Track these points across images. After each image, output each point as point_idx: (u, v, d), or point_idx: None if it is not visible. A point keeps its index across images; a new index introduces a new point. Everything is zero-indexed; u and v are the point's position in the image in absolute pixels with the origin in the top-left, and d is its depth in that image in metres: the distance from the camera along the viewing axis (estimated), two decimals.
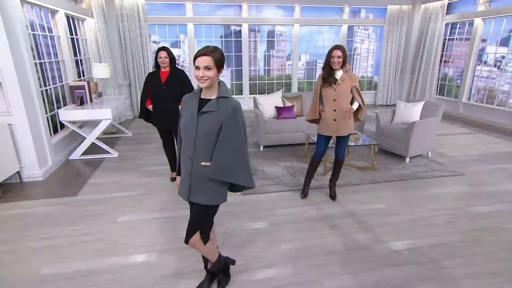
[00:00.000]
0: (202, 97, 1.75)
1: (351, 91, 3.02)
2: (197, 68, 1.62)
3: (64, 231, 2.82)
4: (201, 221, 1.88)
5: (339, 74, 2.97)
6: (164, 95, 3.42)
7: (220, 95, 1.70)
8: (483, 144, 5.32)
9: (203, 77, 1.61)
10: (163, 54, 3.34)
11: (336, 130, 3.07)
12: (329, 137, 3.19)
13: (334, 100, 2.99)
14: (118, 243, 2.64)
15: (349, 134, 3.17)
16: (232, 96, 1.78)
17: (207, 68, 1.60)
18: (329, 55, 2.91)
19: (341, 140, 3.20)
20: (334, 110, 3.02)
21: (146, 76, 3.74)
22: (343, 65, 2.93)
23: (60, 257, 2.46)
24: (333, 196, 3.38)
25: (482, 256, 2.47)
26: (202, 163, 1.72)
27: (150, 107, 3.55)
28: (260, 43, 8.69)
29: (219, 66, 1.65)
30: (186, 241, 1.87)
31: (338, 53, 2.86)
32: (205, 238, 1.90)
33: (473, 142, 5.44)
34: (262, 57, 8.85)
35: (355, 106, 3.09)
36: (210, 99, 1.70)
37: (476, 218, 3.03)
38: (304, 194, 3.41)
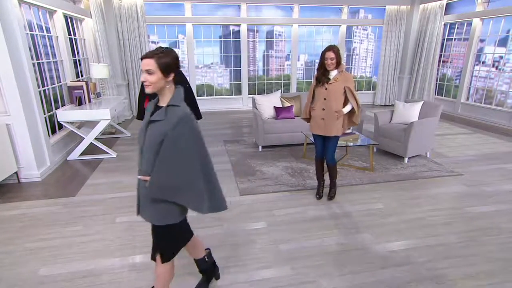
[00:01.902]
0: (158, 104, 1.59)
1: (345, 92, 3.00)
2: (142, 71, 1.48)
3: (63, 231, 2.81)
4: (157, 242, 1.71)
5: (333, 74, 2.97)
6: None
7: (170, 103, 1.51)
8: (482, 144, 5.33)
9: (144, 81, 1.47)
10: None
11: (323, 129, 3.07)
12: (323, 136, 3.18)
13: (325, 99, 2.99)
14: (116, 243, 2.64)
15: (338, 137, 3.14)
16: (182, 105, 1.56)
17: (149, 72, 1.45)
18: (323, 57, 2.90)
19: (328, 142, 3.15)
20: (323, 109, 3.01)
21: None
22: (337, 65, 2.91)
23: (59, 258, 2.46)
24: (331, 197, 3.38)
25: (480, 256, 2.47)
26: (139, 177, 1.57)
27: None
28: (259, 43, 8.69)
29: (164, 70, 1.46)
30: (151, 258, 1.76)
31: (331, 55, 2.85)
32: (164, 259, 1.71)
33: (471, 142, 5.45)
34: (261, 57, 8.85)
35: (347, 108, 3.06)
36: (161, 107, 1.54)
37: (474, 218, 3.03)
38: (319, 195, 3.41)
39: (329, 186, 3.45)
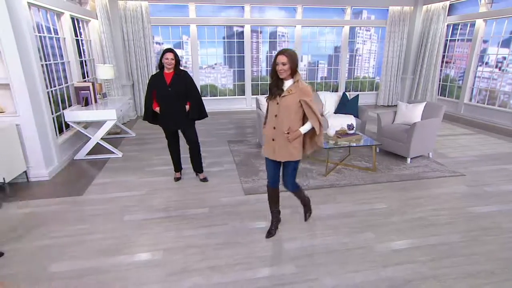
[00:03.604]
0: None
1: (301, 106, 2.40)
2: None
3: (71, 229, 2.88)
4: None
5: (287, 85, 2.40)
6: (170, 96, 3.46)
7: None
8: (484, 145, 5.35)
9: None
10: (170, 55, 3.35)
11: (273, 152, 2.51)
12: (276, 162, 2.59)
13: (276, 115, 2.43)
14: (123, 241, 2.70)
15: (297, 161, 2.56)
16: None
17: None
18: (274, 61, 2.37)
19: (284, 167, 2.60)
20: (274, 128, 2.46)
21: (149, 78, 3.72)
22: (292, 74, 2.37)
23: (67, 255, 2.53)
24: (307, 218, 3.01)
25: (482, 256, 2.51)
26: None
27: (157, 109, 3.56)
28: (262, 44, 8.74)
29: None
30: None
31: (282, 59, 2.30)
32: None
33: (474, 143, 5.47)
34: (264, 58, 8.89)
35: (305, 128, 2.44)
36: None
37: (476, 218, 3.06)
38: (270, 233, 2.76)
39: (303, 209, 3.01)
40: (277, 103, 2.40)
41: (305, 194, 2.89)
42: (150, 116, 3.66)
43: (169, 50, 3.39)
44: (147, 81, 7.43)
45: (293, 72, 2.36)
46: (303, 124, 2.46)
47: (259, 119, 5.06)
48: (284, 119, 2.42)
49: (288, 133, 2.42)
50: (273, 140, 2.49)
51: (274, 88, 2.41)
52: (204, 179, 3.91)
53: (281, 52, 2.32)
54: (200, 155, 3.86)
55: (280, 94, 2.38)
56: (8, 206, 3.28)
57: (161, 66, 3.45)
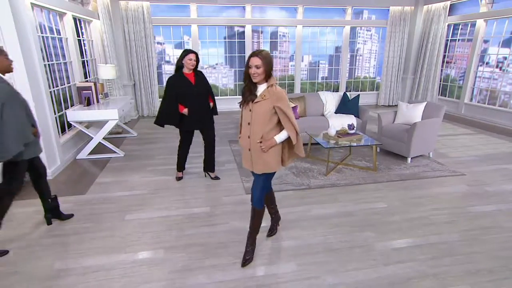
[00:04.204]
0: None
1: (276, 113, 2.19)
2: None
3: (74, 228, 2.91)
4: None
5: (260, 89, 2.20)
6: (197, 96, 3.50)
7: None
8: (485, 145, 5.37)
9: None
10: (193, 56, 3.37)
11: (251, 163, 2.32)
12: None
13: (249, 123, 2.24)
14: (126, 240, 2.73)
15: (271, 173, 2.34)
16: None
17: None
18: (247, 64, 2.15)
19: (256, 177, 2.37)
20: (249, 137, 2.26)
21: (168, 81, 3.50)
22: (267, 78, 2.16)
23: (71, 253, 2.55)
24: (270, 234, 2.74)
25: (482, 254, 2.53)
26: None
27: (185, 111, 3.51)
28: (263, 44, 8.75)
29: None
30: None
31: (256, 61, 2.08)
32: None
33: (474, 143, 5.49)
34: None
35: (280, 137, 2.22)
36: None
37: (476, 218, 3.08)
38: (245, 260, 2.42)
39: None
40: (250, 110, 2.20)
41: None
42: (175, 118, 3.55)
43: (191, 51, 3.39)
44: (149, 81, 7.56)
45: (268, 75, 2.15)
46: (280, 131, 2.25)
47: None
48: (257, 126, 2.20)
49: (260, 142, 2.21)
50: (249, 150, 2.28)
51: (247, 93, 2.21)
52: (216, 177, 3.95)
53: (255, 54, 2.10)
54: (214, 154, 3.90)
55: (253, 99, 2.18)
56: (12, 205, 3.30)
57: (180, 67, 3.44)
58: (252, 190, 2.39)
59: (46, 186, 2.94)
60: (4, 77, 2.44)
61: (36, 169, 2.83)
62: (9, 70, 2.50)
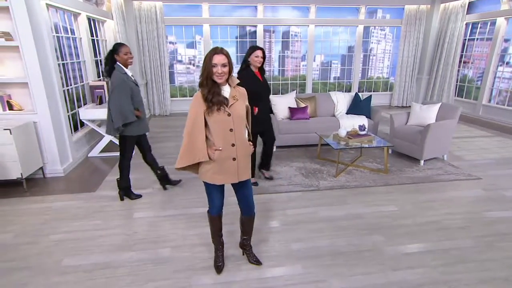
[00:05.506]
0: None
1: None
2: None
3: (84, 225, 2.95)
4: None
5: (226, 90, 2.02)
6: (266, 95, 3.32)
7: None
8: (502, 148, 5.17)
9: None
10: (260, 53, 3.16)
11: (235, 173, 2.09)
12: (223, 185, 2.20)
13: (231, 130, 2.00)
14: (133, 238, 2.75)
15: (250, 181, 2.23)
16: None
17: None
18: (209, 63, 1.91)
19: (244, 187, 2.20)
20: (233, 145, 2.03)
21: (242, 77, 2.86)
22: (228, 77, 1.99)
23: (80, 250, 2.59)
24: (256, 261, 2.43)
25: (497, 262, 2.43)
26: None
27: (256, 111, 3.23)
28: (275, 43, 8.72)
29: None
30: None
31: (223, 59, 1.89)
32: None
33: (491, 146, 5.29)
34: (276, 57, 8.88)
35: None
36: None
37: (492, 223, 2.96)
38: (218, 268, 2.34)
39: (243, 245, 2.48)
40: (229, 114, 1.97)
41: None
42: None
43: (258, 47, 3.17)
44: (161, 81, 7.65)
45: (230, 74, 1.99)
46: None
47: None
48: (240, 131, 2.04)
49: (250, 142, 2.15)
50: (234, 159, 2.05)
51: (216, 96, 1.95)
52: (271, 177, 3.89)
53: (218, 51, 1.91)
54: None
55: (227, 103, 1.98)
56: (24, 201, 3.39)
57: (247, 65, 3.23)
58: (244, 201, 2.26)
59: (153, 159, 3.54)
60: (126, 69, 3.20)
61: (141, 146, 3.42)
62: (126, 64, 3.24)
